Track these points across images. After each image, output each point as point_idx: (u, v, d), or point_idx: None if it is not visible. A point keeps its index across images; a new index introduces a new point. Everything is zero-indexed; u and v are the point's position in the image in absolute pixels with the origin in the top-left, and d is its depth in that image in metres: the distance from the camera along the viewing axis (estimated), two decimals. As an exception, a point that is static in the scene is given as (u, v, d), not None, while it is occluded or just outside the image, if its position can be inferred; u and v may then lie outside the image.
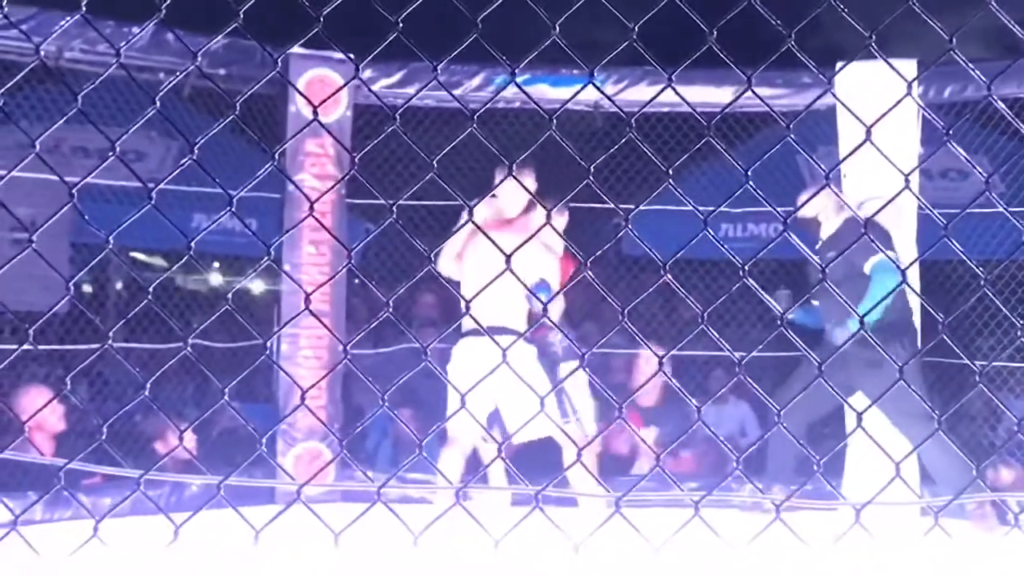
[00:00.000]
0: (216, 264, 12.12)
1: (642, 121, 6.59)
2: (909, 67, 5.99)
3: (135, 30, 5.67)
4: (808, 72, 6.02)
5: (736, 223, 8.13)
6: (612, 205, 1.66)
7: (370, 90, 6.58)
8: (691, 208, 1.94)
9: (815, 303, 6.04)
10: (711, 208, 2.03)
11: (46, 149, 6.77)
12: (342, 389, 6.80)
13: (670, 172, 1.65)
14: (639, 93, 6.65)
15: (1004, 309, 1.76)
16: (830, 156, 6.57)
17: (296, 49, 6.40)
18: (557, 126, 1.83)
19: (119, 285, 10.07)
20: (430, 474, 6.18)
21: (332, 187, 6.36)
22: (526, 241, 2.06)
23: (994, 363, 5.84)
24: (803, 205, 5.61)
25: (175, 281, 10.76)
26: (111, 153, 1.56)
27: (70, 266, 6.61)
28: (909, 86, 1.73)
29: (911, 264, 5.39)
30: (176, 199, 6.38)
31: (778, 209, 1.90)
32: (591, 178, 1.66)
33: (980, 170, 1.72)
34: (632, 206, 5.81)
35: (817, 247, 6.03)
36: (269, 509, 1.92)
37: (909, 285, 1.84)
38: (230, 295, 1.74)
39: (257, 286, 10.73)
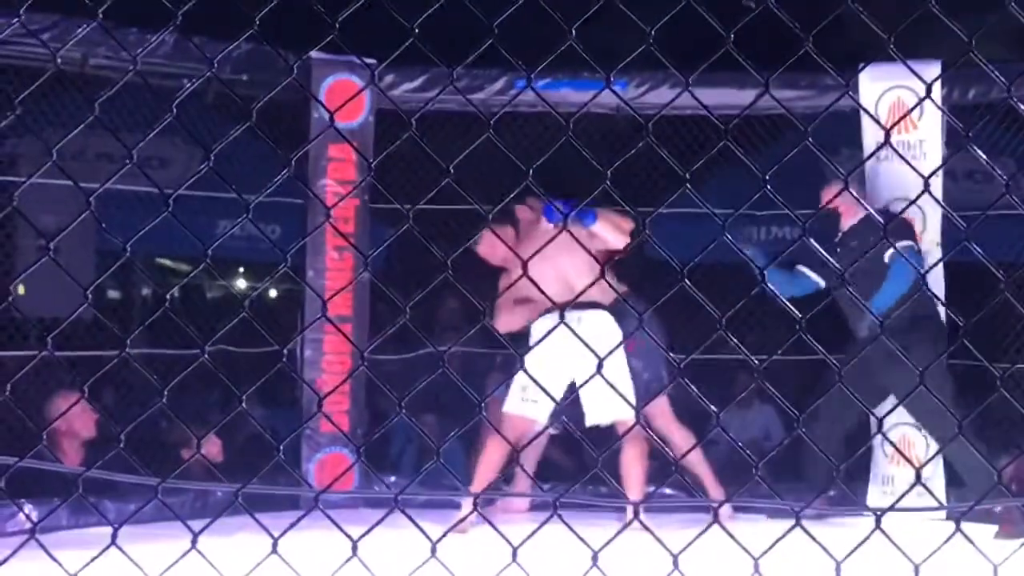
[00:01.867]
0: (242, 270, 12.15)
1: (666, 124, 6.56)
2: (934, 69, 5.95)
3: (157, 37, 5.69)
4: (831, 74, 5.99)
5: (761, 227, 8.10)
6: (629, 209, 1.65)
7: (386, 95, 6.58)
8: (713, 212, 1.93)
9: (806, 271, 5.99)
10: (732, 211, 2.02)
11: (70, 156, 6.81)
12: (367, 394, 6.79)
13: (687, 176, 1.64)
14: (661, 97, 6.64)
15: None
16: (855, 158, 6.54)
17: (319, 55, 6.41)
18: (580, 130, 1.82)
19: (145, 292, 10.11)
20: (459, 480, 6.15)
21: (347, 194, 6.35)
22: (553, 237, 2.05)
23: (1018, 366, 5.78)
24: (828, 202, 5.59)
25: (202, 287, 10.80)
26: (127, 160, 1.57)
27: (96, 273, 6.63)
28: (929, 88, 1.72)
29: (934, 266, 5.35)
30: (201, 206, 6.39)
31: (796, 212, 1.89)
32: (608, 182, 1.65)
33: (999, 172, 1.71)
34: (652, 210, 5.77)
35: (837, 239, 6.02)
36: (293, 516, 1.92)
37: (928, 288, 1.83)
38: (247, 302, 1.74)
39: (283, 292, 10.76)
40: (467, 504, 5.53)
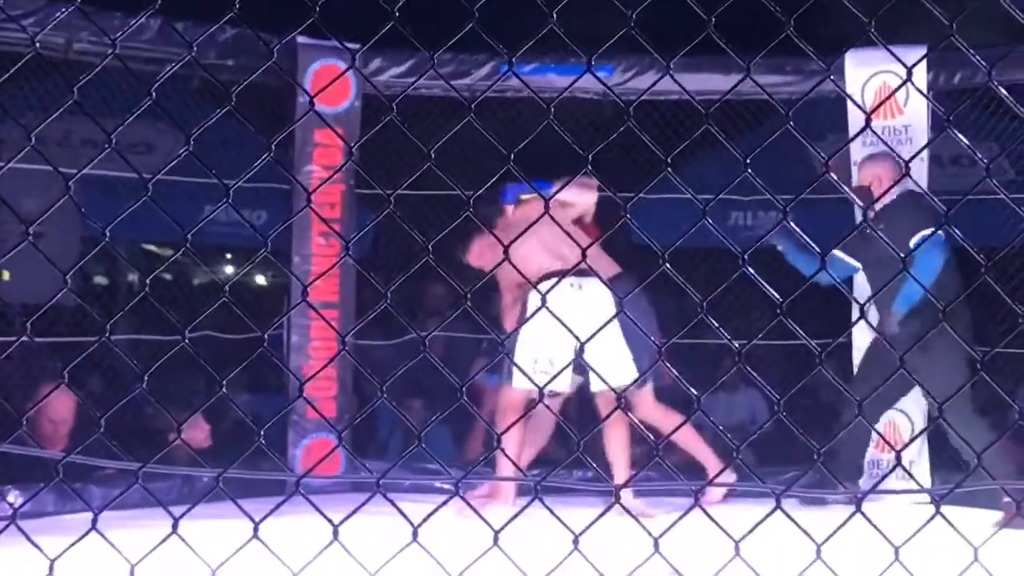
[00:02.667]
0: (230, 256, 12.14)
1: (651, 109, 6.56)
2: (920, 54, 5.95)
3: (141, 21, 5.67)
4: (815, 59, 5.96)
5: (746, 211, 8.11)
6: (612, 193, 1.65)
7: (367, 79, 6.56)
8: (698, 197, 1.93)
9: (841, 255, 5.83)
10: (714, 196, 2.02)
11: (55, 142, 6.78)
12: (356, 380, 6.79)
13: (668, 161, 1.64)
14: (646, 82, 6.64)
15: (1006, 296, 1.74)
16: (841, 143, 6.55)
17: (306, 39, 6.39)
18: (566, 116, 1.82)
19: (131, 278, 10.09)
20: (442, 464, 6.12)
21: (328, 178, 6.33)
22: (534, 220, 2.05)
23: (999, 350, 5.77)
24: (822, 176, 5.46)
25: (189, 273, 10.79)
26: (107, 145, 1.56)
27: (80, 259, 6.61)
28: (909, 72, 1.72)
29: (912, 251, 5.31)
30: (186, 191, 6.37)
31: (778, 197, 1.89)
32: (590, 166, 1.66)
33: (980, 156, 1.71)
34: (632, 194, 5.76)
35: (870, 217, 5.94)
36: (278, 501, 1.92)
37: (911, 275, 1.83)
38: (227, 287, 1.74)
39: (271, 278, 10.75)
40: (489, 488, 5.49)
